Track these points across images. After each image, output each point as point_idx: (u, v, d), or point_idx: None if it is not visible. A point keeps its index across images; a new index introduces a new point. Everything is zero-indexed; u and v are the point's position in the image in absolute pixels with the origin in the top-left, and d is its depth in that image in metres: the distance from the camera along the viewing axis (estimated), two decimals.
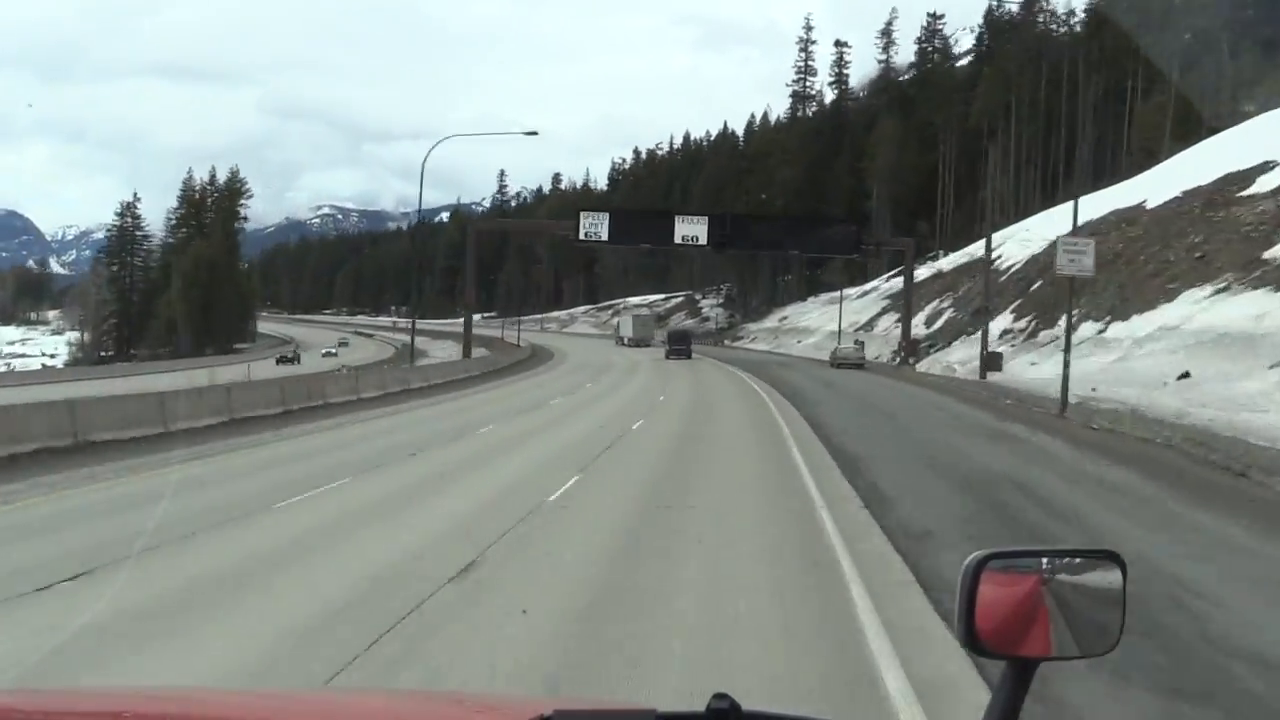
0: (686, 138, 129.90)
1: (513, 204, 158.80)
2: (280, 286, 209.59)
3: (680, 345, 53.16)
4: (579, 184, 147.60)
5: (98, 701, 1.51)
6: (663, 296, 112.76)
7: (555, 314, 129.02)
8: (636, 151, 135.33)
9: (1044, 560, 1.28)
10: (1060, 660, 1.26)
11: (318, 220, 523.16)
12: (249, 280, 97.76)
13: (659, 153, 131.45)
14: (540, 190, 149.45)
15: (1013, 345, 33.03)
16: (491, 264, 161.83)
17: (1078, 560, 1.30)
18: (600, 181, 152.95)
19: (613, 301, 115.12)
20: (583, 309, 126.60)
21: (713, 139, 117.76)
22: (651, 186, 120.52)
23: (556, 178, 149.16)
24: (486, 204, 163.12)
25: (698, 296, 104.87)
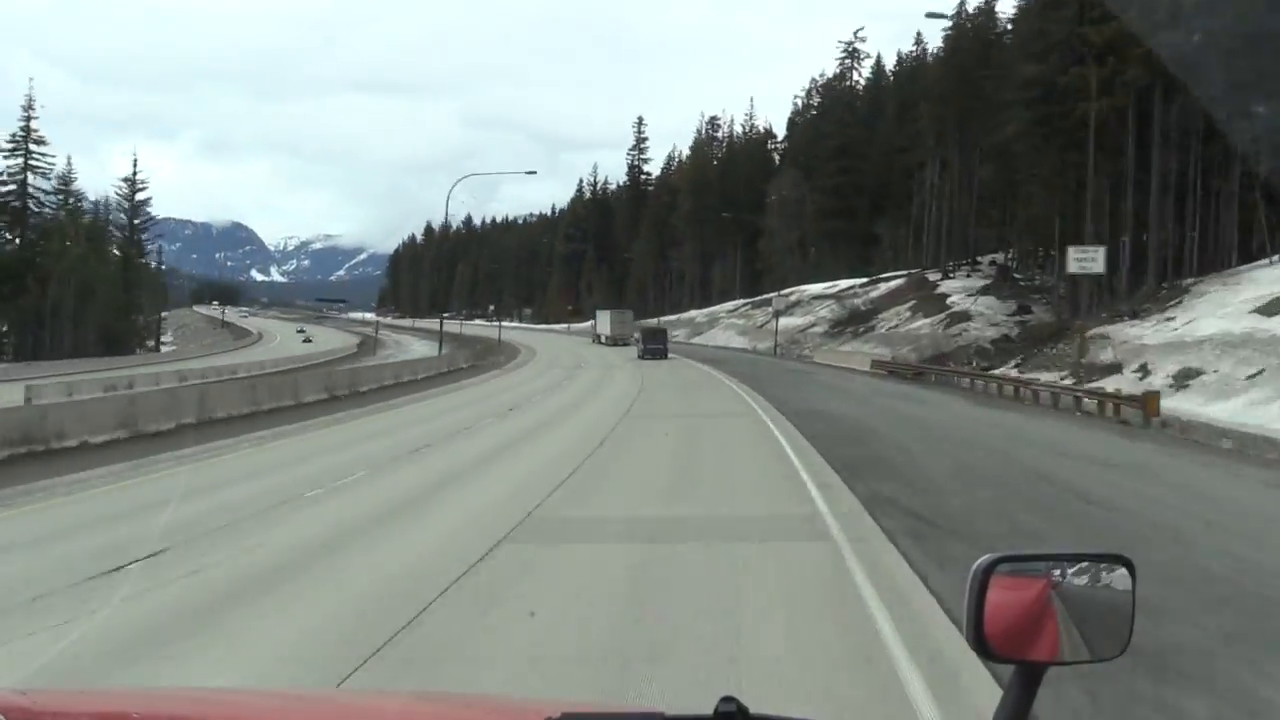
0: (900, 57, 79.41)
1: (649, 160, 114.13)
2: (401, 286, 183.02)
3: (655, 344, 46.66)
4: (739, 126, 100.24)
5: (106, 701, 1.53)
6: (864, 281, 63.95)
7: (691, 314, 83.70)
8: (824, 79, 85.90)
9: (1052, 564, 1.27)
10: (1069, 665, 1.25)
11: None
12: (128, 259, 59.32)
13: (858, 75, 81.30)
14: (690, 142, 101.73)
15: None
16: (623, 246, 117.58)
17: (1086, 564, 1.28)
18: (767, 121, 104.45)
19: (783, 291, 67.14)
20: (732, 305, 80.00)
21: (940, 47, 66.54)
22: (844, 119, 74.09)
23: (712, 122, 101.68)
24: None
25: (934, 276, 55.30)
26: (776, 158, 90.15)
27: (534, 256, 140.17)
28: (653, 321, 68.69)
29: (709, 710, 1.17)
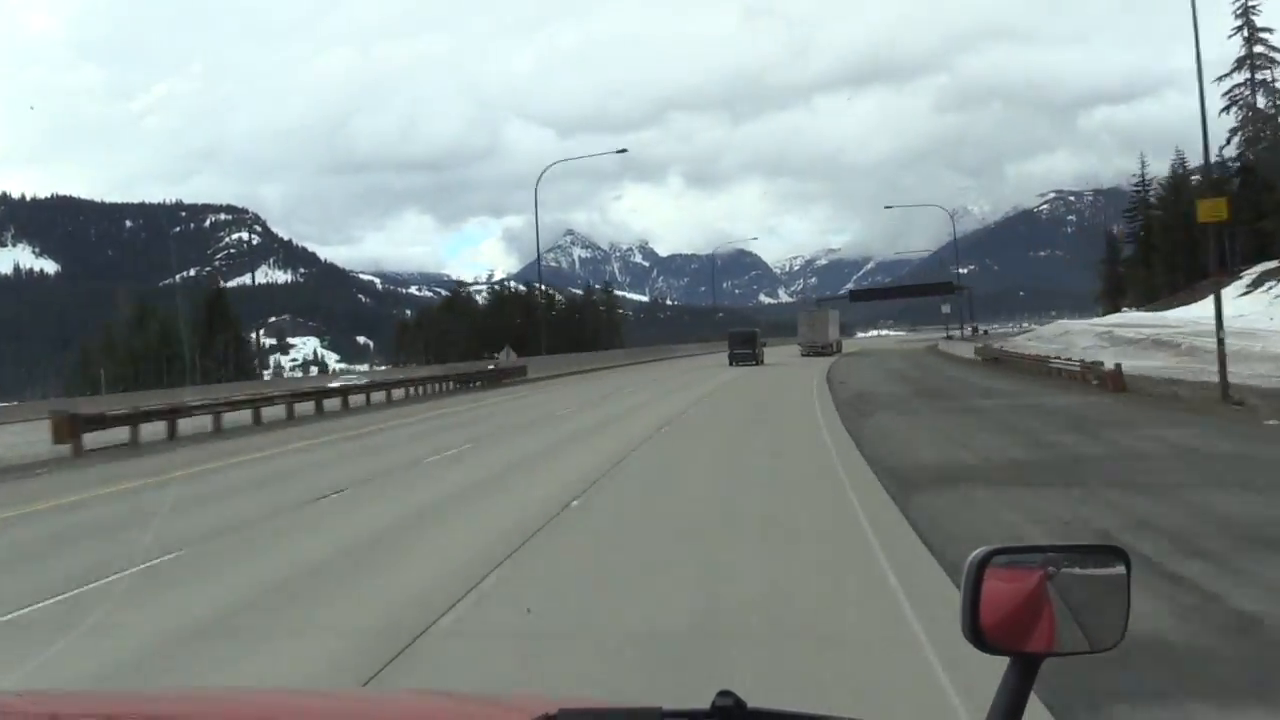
0: None
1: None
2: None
3: (744, 349, 44.69)
4: None
5: (108, 703, 1.56)
6: None
7: None
8: None
9: (1048, 555, 1.31)
10: (1065, 656, 1.28)
11: (1046, 207, 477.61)
12: None
13: None
14: None
15: None
16: None
17: (1082, 555, 1.33)
18: None
19: None
20: None
21: None
22: None
23: None
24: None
25: None
26: None
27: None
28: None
29: (705, 705, 1.16)
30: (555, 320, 71.93)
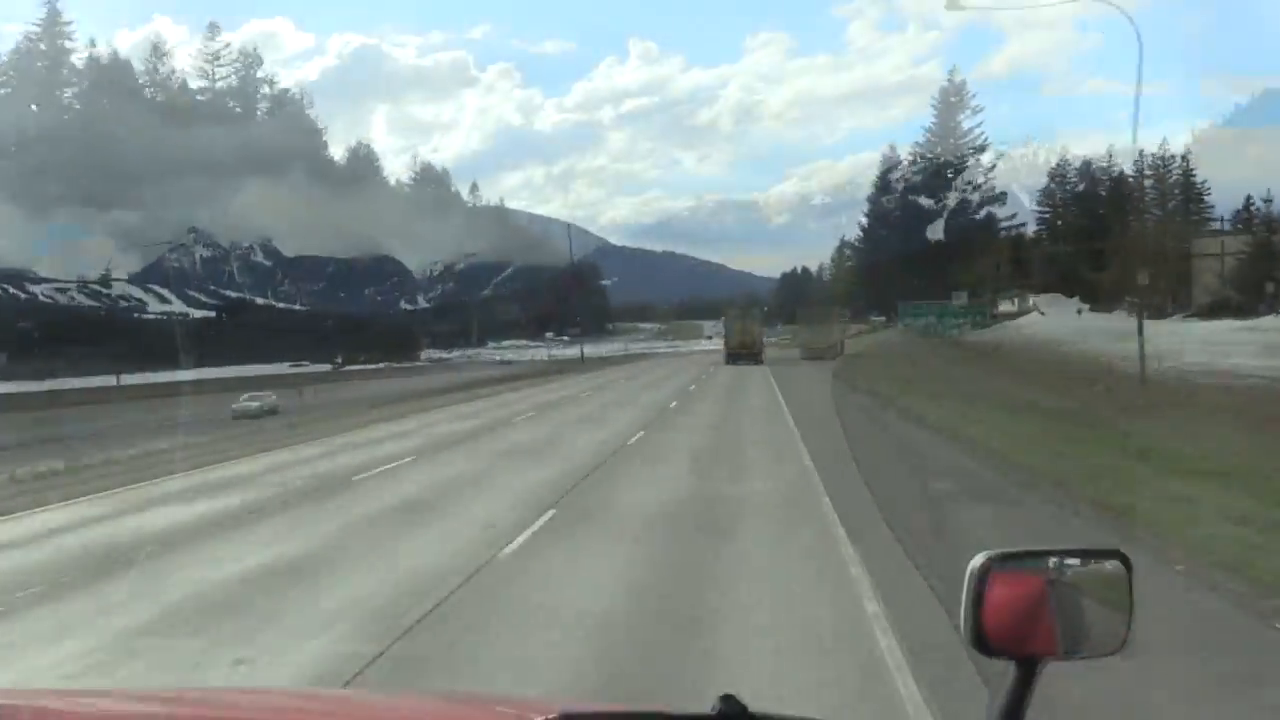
0: None
1: None
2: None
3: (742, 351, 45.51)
4: None
5: (108, 702, 1.54)
6: None
7: None
8: None
9: (1050, 560, 1.29)
10: (1066, 660, 1.27)
11: None
12: None
13: None
14: None
15: None
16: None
17: (1084, 560, 1.31)
18: None
19: None
20: None
21: None
22: None
23: None
24: None
25: None
26: None
27: None
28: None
29: (708, 709, 1.16)
30: None
